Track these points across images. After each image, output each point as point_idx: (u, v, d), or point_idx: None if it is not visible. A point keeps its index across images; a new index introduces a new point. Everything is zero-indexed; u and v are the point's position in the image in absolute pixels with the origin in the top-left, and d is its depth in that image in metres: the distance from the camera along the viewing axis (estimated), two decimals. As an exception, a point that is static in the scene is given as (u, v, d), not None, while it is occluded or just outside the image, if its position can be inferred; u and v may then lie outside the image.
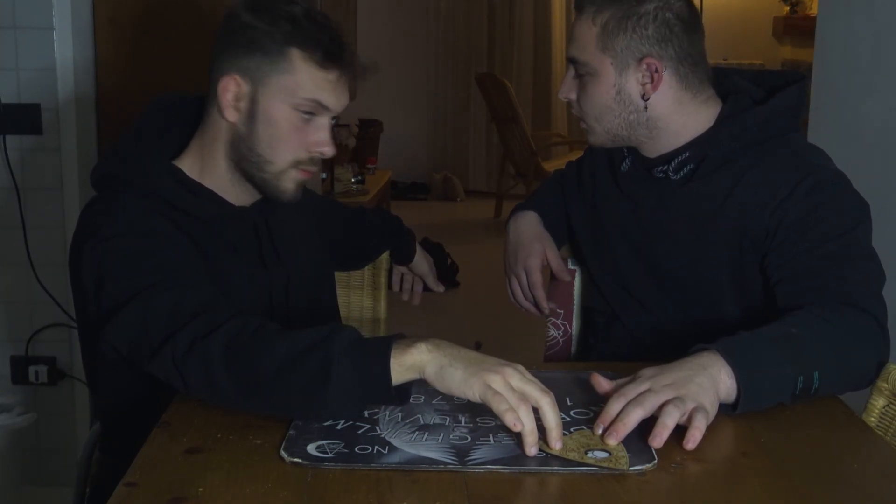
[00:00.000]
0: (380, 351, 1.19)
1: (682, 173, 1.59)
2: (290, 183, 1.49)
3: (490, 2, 7.41)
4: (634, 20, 1.51)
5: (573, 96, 1.60)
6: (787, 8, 6.97)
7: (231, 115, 1.46)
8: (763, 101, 1.58)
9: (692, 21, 1.54)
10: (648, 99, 1.54)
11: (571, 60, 1.58)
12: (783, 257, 1.48)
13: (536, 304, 1.80)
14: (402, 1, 7.37)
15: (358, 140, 5.50)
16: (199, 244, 1.45)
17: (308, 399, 1.20)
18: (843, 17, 2.48)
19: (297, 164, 1.48)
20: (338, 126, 5.68)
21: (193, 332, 1.27)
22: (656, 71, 1.53)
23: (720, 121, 1.57)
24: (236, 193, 1.53)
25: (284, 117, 1.44)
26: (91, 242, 1.41)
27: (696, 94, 1.57)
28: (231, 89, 1.45)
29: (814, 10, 5.95)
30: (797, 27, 6.81)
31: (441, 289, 1.99)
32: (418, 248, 1.95)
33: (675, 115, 1.56)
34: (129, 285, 1.34)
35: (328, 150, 1.48)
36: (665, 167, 1.60)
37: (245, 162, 1.49)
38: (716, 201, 1.55)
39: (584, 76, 1.57)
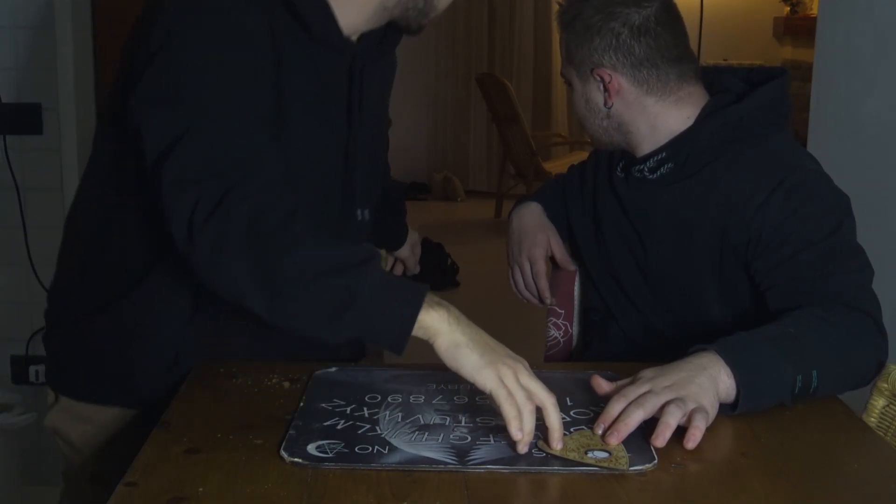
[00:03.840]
0: (411, 299, 1.17)
1: (659, 173, 1.60)
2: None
3: (490, 2, 7.41)
4: (584, 34, 1.58)
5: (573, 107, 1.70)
6: (788, 8, 6.97)
7: None
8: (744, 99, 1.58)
9: (649, 29, 1.55)
10: (611, 106, 1.60)
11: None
12: (770, 263, 1.48)
13: (539, 295, 1.81)
14: (403, 1, 7.37)
15: (358, 140, 5.50)
16: (284, 64, 1.31)
17: (322, 314, 1.16)
18: (843, 17, 2.48)
19: None
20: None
21: (216, 193, 1.17)
22: (610, 80, 1.58)
23: (699, 120, 1.58)
24: (353, 18, 1.38)
25: None
26: (169, 15, 1.27)
27: (663, 96, 1.58)
28: None
29: (814, 10, 5.96)
30: (797, 27, 6.81)
31: (416, 270, 1.98)
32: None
33: (641, 117, 1.59)
34: (187, 88, 1.23)
35: None
36: (641, 167, 1.61)
37: (411, 11, 1.40)
38: (695, 202, 1.56)
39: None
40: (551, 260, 1.85)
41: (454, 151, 7.66)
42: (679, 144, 1.58)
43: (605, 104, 1.60)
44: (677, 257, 1.59)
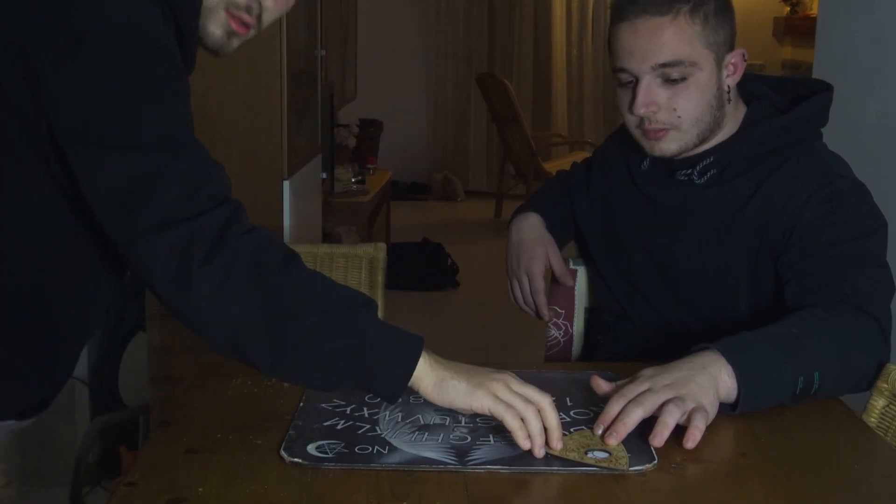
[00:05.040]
0: (409, 345, 1.17)
1: (705, 178, 1.59)
2: (218, 27, 1.26)
3: (490, 2, 7.41)
4: (723, 13, 1.52)
5: (656, 107, 1.52)
6: (787, 8, 6.98)
7: None
8: (786, 110, 1.59)
9: None
10: (730, 90, 1.56)
11: (667, 65, 1.49)
12: (794, 258, 1.48)
13: (537, 311, 1.81)
14: (403, 1, 7.38)
15: (358, 140, 5.50)
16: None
17: (321, 353, 1.13)
18: (843, 17, 2.49)
19: (228, 5, 1.25)
20: (338, 126, 5.62)
21: (215, 228, 1.09)
22: (744, 58, 1.55)
23: (743, 127, 1.58)
24: None
25: None
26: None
27: (739, 93, 1.59)
28: None
29: (814, 10, 5.96)
30: (797, 27, 6.81)
31: None
32: None
33: (731, 109, 1.58)
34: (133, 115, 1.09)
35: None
36: (689, 171, 1.59)
37: None
38: (737, 205, 1.55)
39: (680, 80, 1.50)
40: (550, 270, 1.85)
41: (454, 151, 7.65)
42: (726, 149, 1.58)
43: (728, 89, 1.55)
44: (712, 258, 1.58)
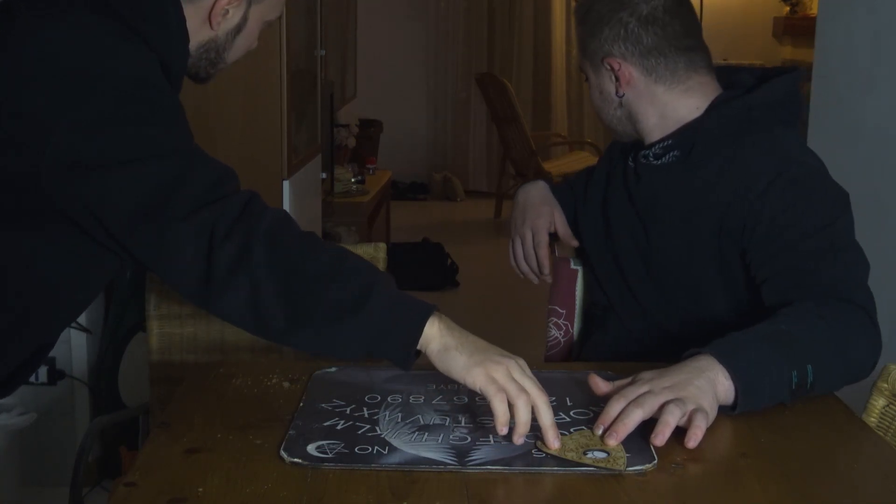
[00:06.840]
0: (420, 308, 1.21)
1: (664, 160, 1.61)
2: (235, 56, 1.47)
3: (490, 2, 7.41)
4: (595, 25, 1.62)
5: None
6: (787, 8, 6.98)
7: (217, 26, 1.42)
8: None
9: (657, 18, 1.58)
10: (622, 95, 1.62)
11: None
12: (765, 255, 1.49)
13: (539, 266, 1.80)
14: (403, 1, 7.37)
15: (358, 140, 5.50)
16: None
17: (333, 314, 1.19)
18: (843, 17, 2.49)
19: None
20: (338, 126, 5.62)
21: (236, 208, 1.21)
22: (620, 69, 1.60)
23: (708, 110, 1.60)
24: None
25: (257, 30, 1.45)
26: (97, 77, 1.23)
27: (672, 85, 1.60)
28: (227, 3, 1.40)
29: (814, 10, 5.96)
30: (797, 27, 6.81)
31: None
32: None
33: (651, 107, 1.61)
34: (141, 139, 1.22)
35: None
36: (646, 152, 1.63)
37: (202, 60, 1.44)
38: (700, 191, 1.57)
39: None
40: (553, 238, 1.84)
41: (454, 151, 7.65)
42: (686, 133, 1.59)
43: (617, 93, 1.62)
44: (681, 248, 1.59)
